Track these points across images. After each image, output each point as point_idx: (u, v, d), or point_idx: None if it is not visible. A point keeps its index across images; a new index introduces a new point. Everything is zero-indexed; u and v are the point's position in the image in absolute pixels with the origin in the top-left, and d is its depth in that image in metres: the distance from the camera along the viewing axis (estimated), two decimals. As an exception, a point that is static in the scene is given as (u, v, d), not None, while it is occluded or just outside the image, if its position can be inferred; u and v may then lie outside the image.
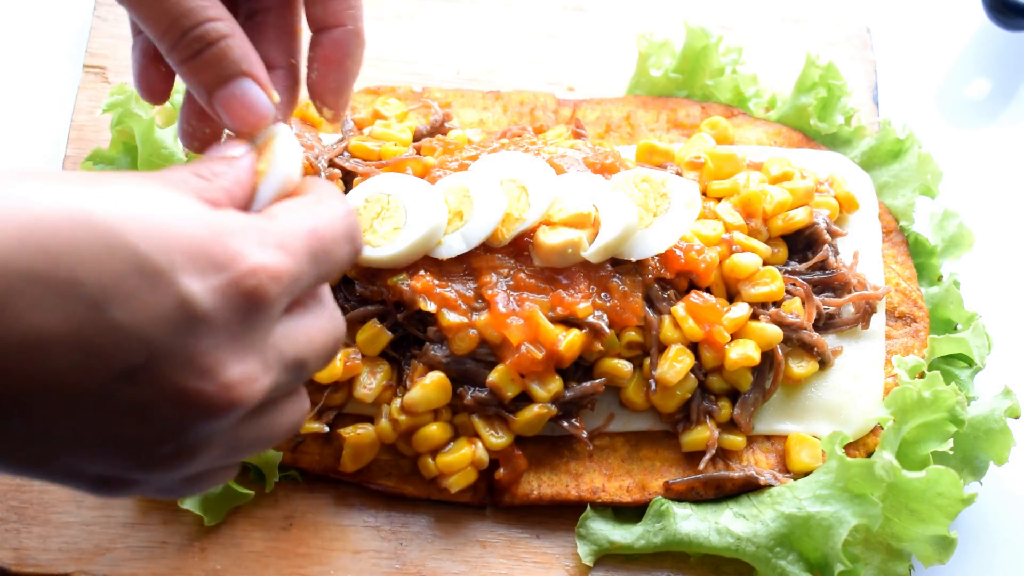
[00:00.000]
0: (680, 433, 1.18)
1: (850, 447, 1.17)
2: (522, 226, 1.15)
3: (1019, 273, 1.40)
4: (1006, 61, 1.55)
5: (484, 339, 1.13)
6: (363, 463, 1.16)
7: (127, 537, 1.15)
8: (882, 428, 1.16)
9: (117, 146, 1.30)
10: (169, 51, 0.95)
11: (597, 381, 1.15)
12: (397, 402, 1.14)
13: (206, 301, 0.73)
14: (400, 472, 1.18)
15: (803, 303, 1.20)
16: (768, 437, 1.19)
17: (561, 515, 1.18)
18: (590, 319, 1.13)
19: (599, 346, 1.14)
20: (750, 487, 1.17)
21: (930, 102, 1.52)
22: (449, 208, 1.15)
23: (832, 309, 1.22)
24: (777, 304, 1.19)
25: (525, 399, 1.14)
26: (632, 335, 1.16)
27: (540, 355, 1.12)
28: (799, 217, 1.23)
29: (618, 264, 1.17)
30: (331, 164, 1.22)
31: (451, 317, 1.13)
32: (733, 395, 1.18)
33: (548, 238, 1.14)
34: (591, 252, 1.14)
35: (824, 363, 1.20)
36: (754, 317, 1.18)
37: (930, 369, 1.20)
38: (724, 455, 1.18)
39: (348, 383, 1.15)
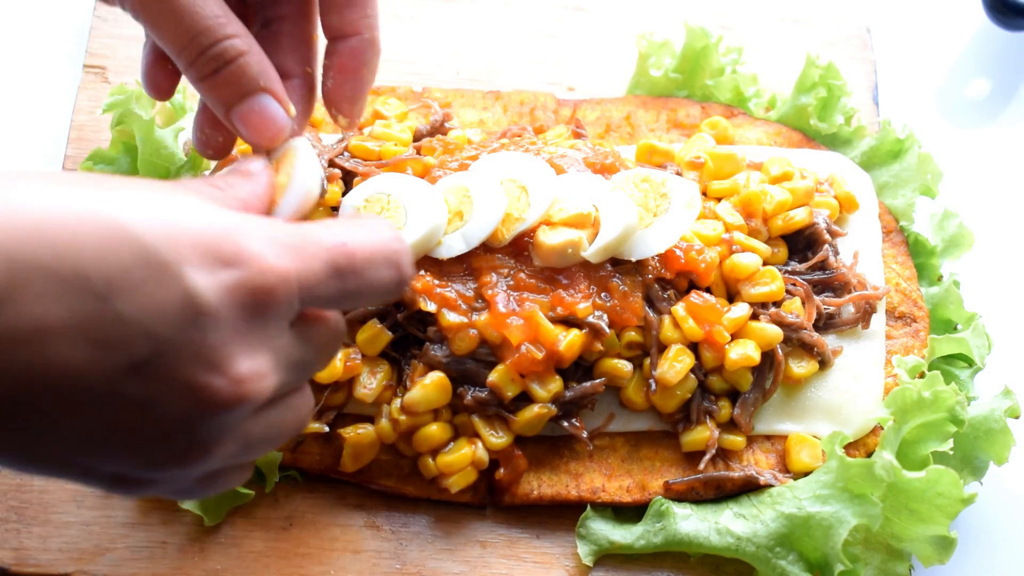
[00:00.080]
0: (680, 433, 1.18)
1: (850, 447, 1.17)
2: (522, 226, 1.15)
3: (1019, 273, 1.40)
4: (1006, 61, 1.55)
5: (484, 339, 1.13)
6: (363, 463, 1.16)
7: (127, 537, 1.15)
8: (882, 428, 1.16)
9: (117, 146, 1.30)
10: (187, 68, 0.96)
11: (597, 381, 1.15)
12: (397, 402, 1.14)
13: (212, 296, 0.73)
14: (400, 472, 1.18)
15: (803, 303, 1.20)
16: (768, 437, 1.20)
17: (561, 515, 1.18)
18: (590, 319, 1.13)
19: (599, 346, 1.14)
20: (750, 487, 1.17)
21: (930, 102, 1.52)
22: (449, 208, 1.15)
23: (832, 309, 1.22)
24: (777, 304, 1.19)
25: (525, 399, 1.14)
26: (632, 335, 1.16)
27: (540, 355, 1.12)
28: (799, 217, 1.23)
29: (618, 264, 1.17)
30: (331, 164, 1.22)
31: (451, 317, 1.13)
32: (733, 395, 1.18)
33: (548, 238, 1.14)
34: (591, 252, 1.14)
35: (824, 363, 1.20)
36: (754, 317, 1.18)
37: (930, 369, 1.20)
38: (724, 455, 1.18)
39: (348, 383, 1.15)
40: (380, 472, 1.17)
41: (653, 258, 1.17)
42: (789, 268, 1.23)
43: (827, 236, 1.23)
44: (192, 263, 0.72)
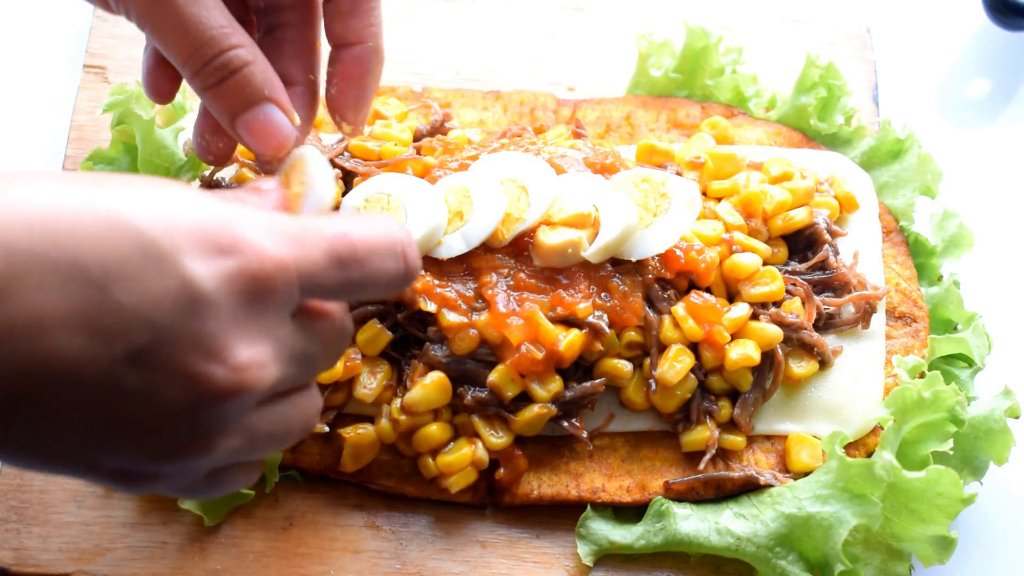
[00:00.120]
0: (680, 433, 1.18)
1: (850, 447, 1.17)
2: (522, 226, 1.15)
3: (1019, 273, 1.40)
4: (1006, 61, 1.55)
5: (484, 339, 1.13)
6: (363, 463, 1.16)
7: (127, 537, 1.15)
8: (882, 428, 1.16)
9: (117, 146, 1.30)
10: (192, 77, 0.97)
11: (597, 381, 1.15)
12: (397, 402, 1.14)
13: (210, 284, 0.73)
14: (400, 472, 1.18)
15: (803, 303, 1.20)
16: (768, 437, 1.19)
17: (561, 515, 1.18)
18: (590, 319, 1.13)
19: (599, 346, 1.14)
20: (750, 487, 1.17)
21: (930, 102, 1.52)
22: (449, 208, 1.15)
23: (832, 309, 1.22)
24: (777, 304, 1.19)
25: (525, 399, 1.14)
26: (632, 335, 1.16)
27: (540, 355, 1.12)
28: (799, 217, 1.23)
29: (618, 264, 1.17)
30: (331, 164, 1.22)
31: (451, 317, 1.13)
32: (733, 395, 1.18)
33: (548, 238, 1.14)
34: (591, 252, 1.14)
35: (824, 363, 1.20)
36: (754, 317, 1.18)
37: (930, 369, 1.20)
38: (724, 455, 1.18)
39: (348, 383, 1.15)
40: (380, 472, 1.17)
41: (653, 258, 1.17)
42: (789, 268, 1.23)
43: (827, 236, 1.23)
44: (190, 252, 0.73)
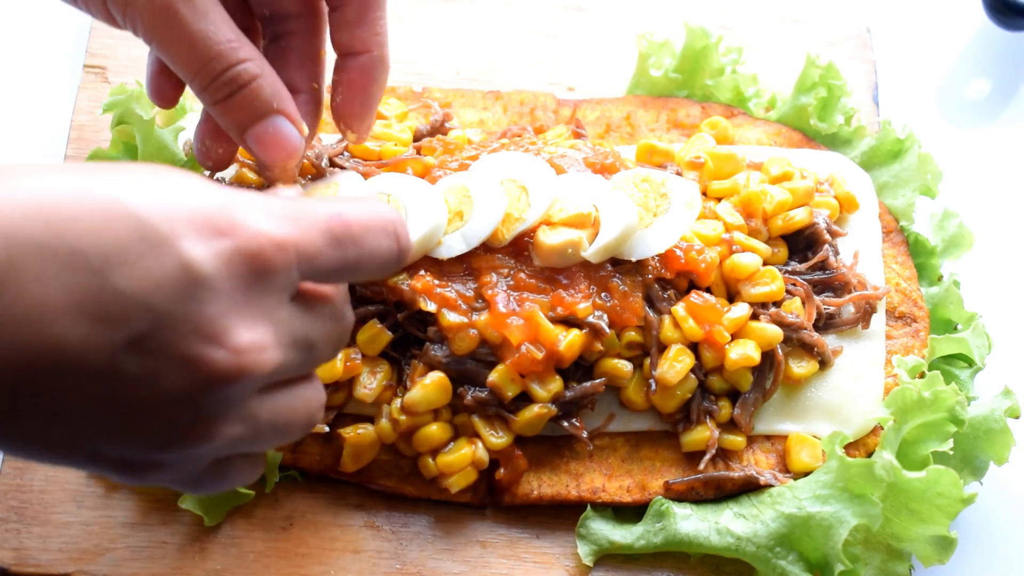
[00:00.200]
0: (680, 433, 1.18)
1: (850, 447, 1.17)
2: (522, 226, 1.15)
3: (1019, 273, 1.40)
4: (1006, 61, 1.55)
5: (484, 339, 1.13)
6: (363, 463, 1.16)
7: (127, 537, 1.15)
8: (882, 428, 1.16)
9: (117, 146, 1.30)
10: (201, 92, 0.97)
11: (597, 381, 1.15)
12: (397, 402, 1.14)
13: (208, 266, 0.73)
14: (400, 472, 1.18)
15: (803, 303, 1.20)
16: (768, 437, 1.19)
17: (561, 515, 1.18)
18: (590, 319, 1.13)
19: (599, 346, 1.14)
20: (750, 487, 1.17)
21: (930, 102, 1.52)
22: (449, 208, 1.15)
23: (832, 309, 1.22)
24: (777, 304, 1.19)
25: (525, 399, 1.14)
26: (632, 335, 1.16)
27: (540, 355, 1.12)
28: (799, 217, 1.23)
29: (618, 264, 1.17)
30: (331, 164, 1.22)
31: (451, 317, 1.13)
32: (733, 395, 1.18)
33: (548, 238, 1.14)
34: (591, 252, 1.14)
35: (824, 363, 1.20)
36: (754, 317, 1.18)
37: (930, 369, 1.20)
38: (724, 455, 1.18)
39: (348, 383, 1.15)
40: (380, 472, 1.17)
41: (653, 258, 1.17)
42: (789, 268, 1.23)
43: (827, 236, 1.23)
44: (188, 235, 0.73)
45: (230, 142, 1.08)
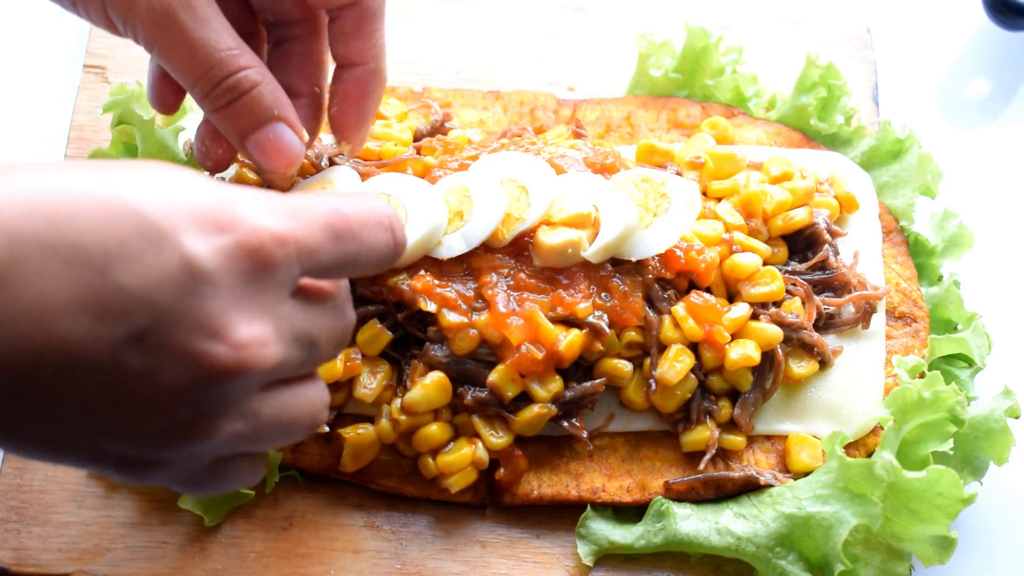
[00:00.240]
0: (680, 433, 1.18)
1: (850, 447, 1.17)
2: (522, 226, 1.15)
3: (1019, 273, 1.40)
4: (1006, 61, 1.55)
5: (484, 339, 1.13)
6: (363, 463, 1.16)
7: (127, 537, 1.15)
8: (882, 428, 1.16)
9: (117, 146, 1.30)
10: (201, 99, 0.98)
11: (597, 381, 1.15)
12: (397, 402, 1.14)
13: (209, 261, 0.73)
14: (400, 472, 1.18)
15: (803, 303, 1.20)
16: (768, 437, 1.20)
17: (561, 515, 1.18)
18: (590, 319, 1.13)
19: (599, 346, 1.14)
20: (750, 487, 1.17)
21: (930, 102, 1.52)
22: (449, 208, 1.15)
23: (832, 309, 1.22)
24: (777, 304, 1.19)
25: (525, 399, 1.14)
26: (632, 335, 1.16)
27: (540, 355, 1.12)
28: (799, 217, 1.23)
29: (618, 264, 1.17)
30: (331, 164, 1.22)
31: (451, 317, 1.13)
32: (733, 395, 1.18)
33: (548, 238, 1.14)
34: (591, 252, 1.14)
35: (824, 363, 1.20)
36: (754, 317, 1.18)
37: (930, 369, 1.20)
38: (724, 455, 1.18)
39: (348, 383, 1.15)
40: (380, 472, 1.17)
41: (653, 258, 1.17)
42: (789, 268, 1.23)
43: (827, 236, 1.23)
44: (189, 231, 0.73)
45: (230, 143, 1.09)
